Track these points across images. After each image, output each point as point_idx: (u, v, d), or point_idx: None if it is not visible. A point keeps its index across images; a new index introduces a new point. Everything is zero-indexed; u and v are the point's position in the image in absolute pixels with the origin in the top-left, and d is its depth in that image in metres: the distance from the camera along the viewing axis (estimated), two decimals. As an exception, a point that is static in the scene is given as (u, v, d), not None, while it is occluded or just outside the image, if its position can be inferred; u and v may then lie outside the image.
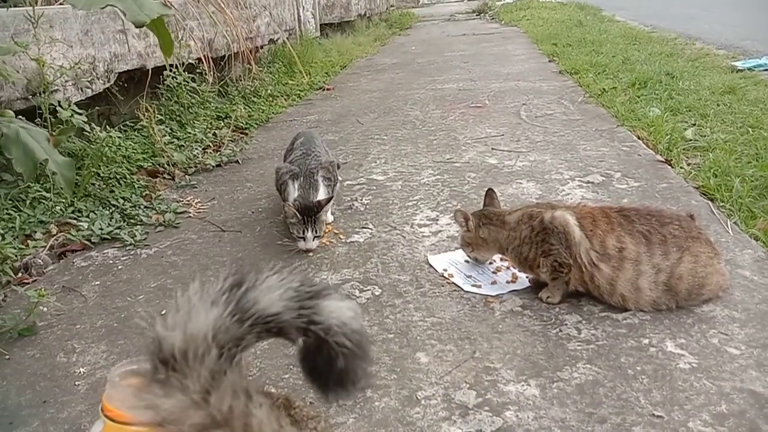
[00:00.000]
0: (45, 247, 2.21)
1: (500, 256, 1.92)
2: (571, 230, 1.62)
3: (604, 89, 4.24)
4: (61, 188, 1.17)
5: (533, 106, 4.00)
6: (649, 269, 1.57)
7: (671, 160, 2.76)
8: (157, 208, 2.55)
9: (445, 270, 1.92)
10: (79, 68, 2.88)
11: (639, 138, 3.14)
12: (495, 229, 1.79)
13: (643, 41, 6.38)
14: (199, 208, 2.60)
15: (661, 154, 2.85)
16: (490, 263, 1.94)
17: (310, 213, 2.07)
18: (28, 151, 1.03)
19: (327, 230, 2.25)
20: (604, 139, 3.16)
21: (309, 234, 2.07)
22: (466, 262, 1.96)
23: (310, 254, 2.10)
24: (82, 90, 2.98)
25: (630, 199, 2.33)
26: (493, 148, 3.13)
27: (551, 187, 2.52)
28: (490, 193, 1.92)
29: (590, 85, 4.44)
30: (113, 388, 0.93)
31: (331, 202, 2.21)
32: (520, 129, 3.47)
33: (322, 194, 2.19)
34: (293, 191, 2.20)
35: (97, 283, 1.99)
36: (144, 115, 3.20)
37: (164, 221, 2.43)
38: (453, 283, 1.85)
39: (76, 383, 1.48)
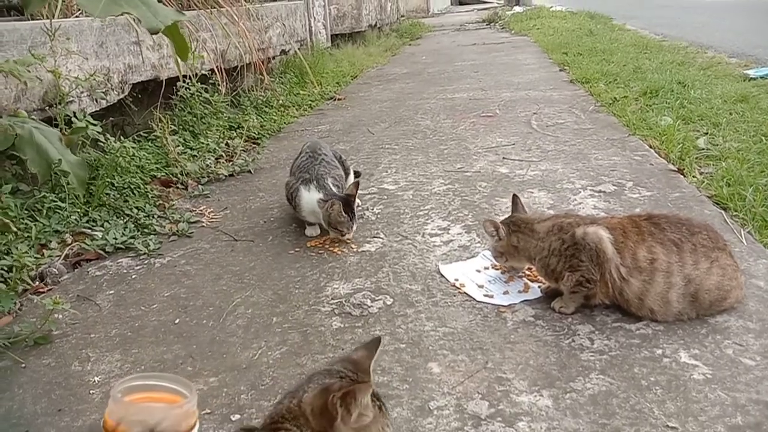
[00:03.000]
0: (60, 256, 2.24)
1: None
2: (604, 247, 1.60)
3: (615, 98, 4.23)
4: (74, 188, 1.17)
5: (544, 115, 4.00)
6: (680, 281, 1.56)
7: (684, 169, 2.75)
8: (170, 218, 2.58)
9: (457, 279, 1.92)
10: (94, 79, 2.92)
11: (651, 147, 3.13)
12: (524, 237, 1.77)
13: (654, 50, 6.36)
14: (212, 218, 2.62)
15: (673, 163, 2.84)
16: (503, 272, 1.94)
17: (349, 207, 2.18)
18: (42, 152, 1.05)
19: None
20: (616, 148, 3.15)
21: (355, 225, 2.23)
22: (478, 272, 1.96)
23: (323, 264, 2.11)
24: (96, 101, 3.02)
25: (642, 208, 2.32)
26: (504, 158, 3.13)
27: (563, 197, 2.52)
28: (515, 200, 1.91)
29: (601, 94, 4.43)
30: (115, 403, 0.93)
31: (358, 186, 2.34)
32: (531, 138, 3.47)
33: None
34: (306, 194, 2.27)
35: (111, 292, 2.01)
36: (158, 126, 3.24)
37: (177, 231, 2.45)
38: (465, 292, 1.85)
39: (91, 392, 1.50)
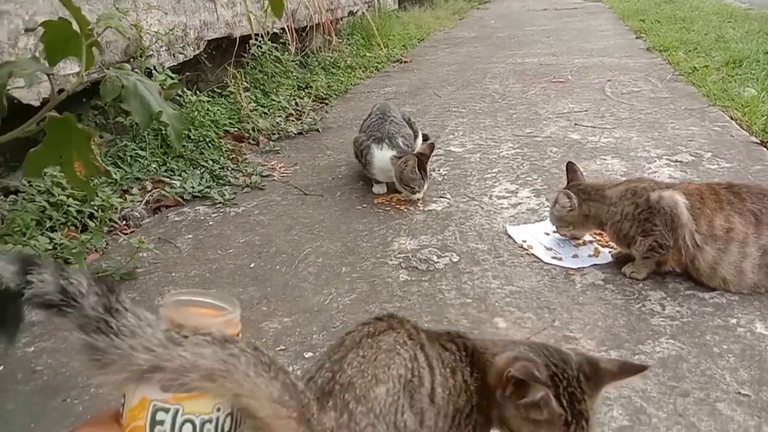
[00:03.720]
0: (141, 201, 2.36)
1: (594, 231, 1.89)
2: (680, 212, 1.56)
3: (695, 67, 4.05)
4: (172, 140, 1.24)
5: (619, 82, 3.88)
6: (755, 251, 1.52)
7: (767, 142, 2.62)
8: (243, 171, 2.66)
9: (524, 241, 1.92)
10: (172, 35, 3.01)
11: (732, 118, 2.99)
12: (595, 204, 1.74)
13: (738, 18, 6.01)
14: (282, 173, 2.69)
15: (756, 136, 2.71)
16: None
17: (421, 166, 2.20)
18: (145, 103, 1.11)
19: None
20: (694, 118, 3.04)
21: (426, 185, 2.24)
22: (546, 234, 1.95)
23: (390, 220, 2.15)
24: (174, 56, 3.12)
25: (721, 179, 2.23)
26: (576, 124, 3.07)
27: (637, 165, 2.46)
28: (572, 167, 1.88)
29: (680, 63, 4.25)
30: (165, 309, 0.97)
31: (433, 148, 2.37)
32: (605, 105, 3.37)
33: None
34: (378, 152, 2.31)
35: (189, 236, 2.11)
36: (232, 82, 3.32)
37: (251, 183, 2.53)
38: (532, 254, 1.85)
39: (174, 325, 1.59)
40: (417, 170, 2.18)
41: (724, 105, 3.20)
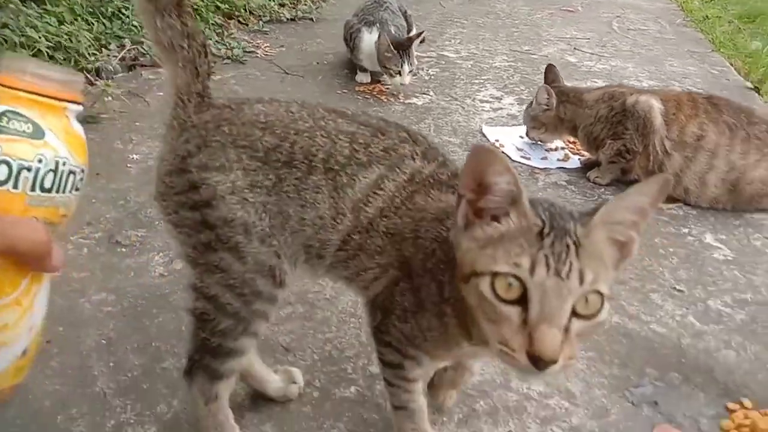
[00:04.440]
0: (117, 57, 2.29)
1: (567, 138, 1.88)
2: (653, 117, 1.54)
3: (706, 16, 3.94)
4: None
5: (627, 19, 3.76)
6: (723, 165, 1.51)
7: (760, 88, 2.58)
8: (227, 45, 2.58)
9: (497, 140, 1.90)
10: None
11: (732, 66, 2.93)
12: (571, 107, 1.71)
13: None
14: (267, 52, 2.61)
15: (751, 82, 2.67)
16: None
17: (403, 47, 2.12)
18: None
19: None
20: (694, 60, 2.97)
21: (406, 67, 2.14)
22: (521, 137, 1.93)
23: (368, 108, 2.11)
24: None
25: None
26: (575, 48, 2.99)
27: (625, 90, 2.41)
28: (551, 69, 1.84)
29: (693, 11, 4.13)
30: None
31: (421, 36, 2.27)
32: (608, 37, 3.28)
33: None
34: (367, 36, 2.23)
35: (161, 93, 2.05)
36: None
37: (232, 56, 2.46)
38: (503, 152, 1.83)
39: (128, 165, 1.58)
40: (392, 48, 2.10)
41: (728, 53, 3.13)
